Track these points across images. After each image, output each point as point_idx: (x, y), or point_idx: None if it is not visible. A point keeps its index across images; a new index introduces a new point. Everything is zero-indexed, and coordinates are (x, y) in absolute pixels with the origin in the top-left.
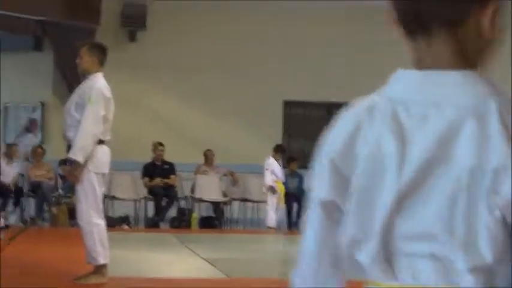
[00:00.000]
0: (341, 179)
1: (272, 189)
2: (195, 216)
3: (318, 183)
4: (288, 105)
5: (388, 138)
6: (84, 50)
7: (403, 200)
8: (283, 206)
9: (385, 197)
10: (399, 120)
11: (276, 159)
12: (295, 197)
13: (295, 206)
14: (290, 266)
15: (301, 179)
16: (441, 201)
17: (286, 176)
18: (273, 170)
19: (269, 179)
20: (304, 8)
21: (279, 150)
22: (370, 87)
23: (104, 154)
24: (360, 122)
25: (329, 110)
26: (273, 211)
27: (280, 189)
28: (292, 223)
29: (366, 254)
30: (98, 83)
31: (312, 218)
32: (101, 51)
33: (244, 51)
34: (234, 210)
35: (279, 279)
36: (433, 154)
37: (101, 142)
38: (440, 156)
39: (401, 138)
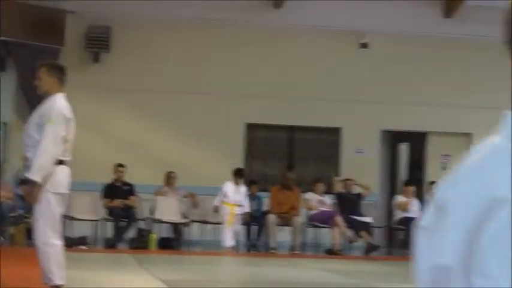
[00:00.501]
0: None
1: (215, 209)
2: (154, 237)
3: None
4: (251, 127)
5: None
6: (43, 71)
7: None
8: (235, 227)
9: None
10: None
11: (236, 183)
12: (255, 219)
13: (254, 228)
14: (246, 286)
15: (260, 201)
16: None
17: (249, 198)
18: (226, 193)
19: (216, 200)
20: (266, 28)
21: (237, 174)
22: (333, 113)
23: (63, 174)
24: None
25: (292, 134)
26: (229, 232)
27: (231, 211)
28: (251, 245)
29: None
30: (58, 103)
31: None
32: (60, 71)
33: (207, 73)
34: (194, 231)
35: None
36: None
37: (60, 162)
38: None
39: None
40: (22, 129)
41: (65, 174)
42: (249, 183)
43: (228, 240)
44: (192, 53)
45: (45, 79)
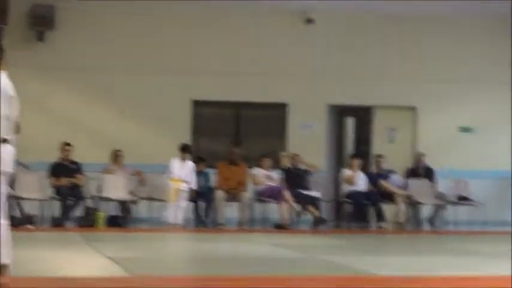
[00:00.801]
0: None
1: (164, 187)
2: (101, 215)
3: None
4: (197, 104)
5: None
6: None
7: None
8: (182, 203)
9: None
10: None
11: (182, 159)
12: (202, 196)
13: (202, 204)
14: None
15: (208, 177)
16: None
17: (196, 175)
18: (172, 169)
19: (164, 178)
20: (208, 7)
21: (183, 149)
22: (279, 88)
23: (7, 153)
24: None
25: (238, 110)
26: (170, 208)
27: (175, 186)
28: (199, 221)
29: None
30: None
31: None
32: None
33: (152, 51)
34: (141, 209)
35: (182, 277)
36: None
37: (4, 141)
38: None
39: None
40: None
41: (9, 153)
42: (197, 160)
43: (172, 217)
44: (136, 30)
45: None
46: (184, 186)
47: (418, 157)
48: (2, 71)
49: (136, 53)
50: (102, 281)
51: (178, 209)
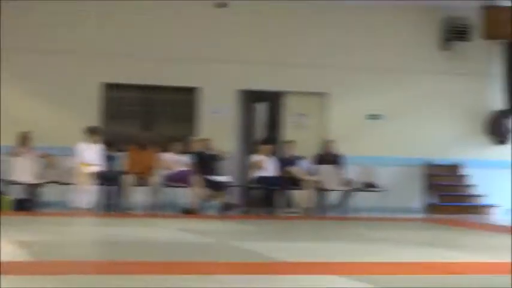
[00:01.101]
0: None
1: (72, 170)
2: (8, 198)
3: None
4: (106, 87)
5: None
6: None
7: None
8: (90, 187)
9: None
10: None
11: (91, 141)
12: (110, 180)
13: (111, 188)
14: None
15: (116, 161)
16: None
17: (106, 158)
18: (80, 153)
19: (71, 161)
20: None
21: (92, 132)
22: (190, 73)
23: None
24: None
25: (148, 94)
26: (78, 192)
27: (84, 170)
28: (108, 205)
29: None
30: None
31: None
32: None
33: (62, 32)
34: (49, 192)
35: (89, 261)
36: None
37: None
38: None
39: None
40: None
41: None
42: (106, 144)
43: (80, 201)
44: (48, 10)
45: None
46: (92, 170)
47: (326, 144)
48: None
49: (47, 33)
50: (7, 265)
51: (86, 193)
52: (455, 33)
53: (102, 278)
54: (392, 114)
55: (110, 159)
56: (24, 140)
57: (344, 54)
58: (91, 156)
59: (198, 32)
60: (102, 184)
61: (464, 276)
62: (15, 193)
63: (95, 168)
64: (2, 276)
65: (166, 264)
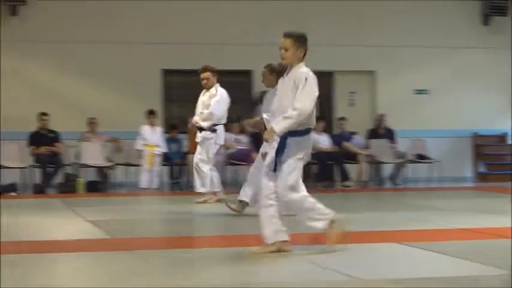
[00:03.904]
0: None
1: (139, 153)
2: (81, 181)
3: None
4: (167, 73)
5: None
6: None
7: None
8: (155, 167)
9: None
10: None
11: (151, 124)
12: (175, 161)
13: (176, 168)
14: (171, 224)
15: (180, 143)
16: None
17: (168, 141)
18: (143, 136)
19: (137, 144)
20: None
21: (150, 114)
22: (245, 57)
23: None
24: None
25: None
26: (145, 173)
27: (149, 152)
28: (173, 184)
29: None
30: None
31: None
32: None
33: (124, 22)
34: (118, 174)
35: (159, 238)
36: None
37: None
38: None
39: None
40: None
41: None
42: (170, 127)
43: (145, 181)
44: (107, 3)
45: None
46: (156, 151)
47: (379, 118)
48: None
49: (107, 24)
50: (85, 242)
51: (153, 174)
52: (495, 8)
53: (172, 252)
54: (437, 89)
55: (174, 141)
56: (91, 125)
57: (389, 32)
58: (153, 138)
59: (251, 16)
60: (166, 165)
61: None
62: (86, 176)
63: (158, 150)
64: (82, 253)
65: (231, 237)
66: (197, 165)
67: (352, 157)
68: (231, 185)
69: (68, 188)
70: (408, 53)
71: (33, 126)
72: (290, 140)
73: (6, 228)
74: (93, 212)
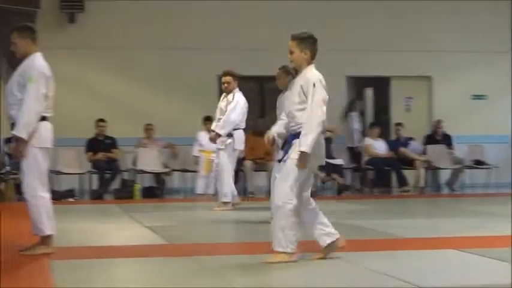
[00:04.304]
0: None
1: (195, 159)
2: (138, 187)
3: None
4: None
5: None
6: (15, 36)
7: None
8: (212, 173)
9: None
10: None
11: (208, 130)
12: None
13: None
14: (228, 229)
15: None
16: None
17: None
18: (200, 142)
19: (194, 150)
20: None
21: (206, 120)
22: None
23: (46, 130)
24: None
25: (262, 83)
26: (201, 179)
27: (206, 158)
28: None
29: None
30: (37, 62)
31: None
32: (30, 31)
33: (180, 29)
34: (175, 180)
35: (216, 244)
36: None
37: (43, 119)
38: None
39: None
40: (4, 90)
41: (48, 129)
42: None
43: (201, 187)
44: (164, 9)
45: (19, 42)
46: (213, 157)
47: (436, 124)
48: (37, 53)
49: (164, 31)
50: (142, 248)
51: (209, 179)
52: None
53: (230, 258)
54: (495, 94)
55: None
56: (147, 131)
57: (446, 37)
58: (210, 144)
59: (303, 23)
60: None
61: None
62: (143, 181)
63: (207, 155)
64: (140, 258)
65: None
66: (219, 173)
67: (409, 163)
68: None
69: (124, 193)
70: (465, 58)
71: (91, 133)
72: (296, 141)
73: (63, 234)
74: (150, 218)
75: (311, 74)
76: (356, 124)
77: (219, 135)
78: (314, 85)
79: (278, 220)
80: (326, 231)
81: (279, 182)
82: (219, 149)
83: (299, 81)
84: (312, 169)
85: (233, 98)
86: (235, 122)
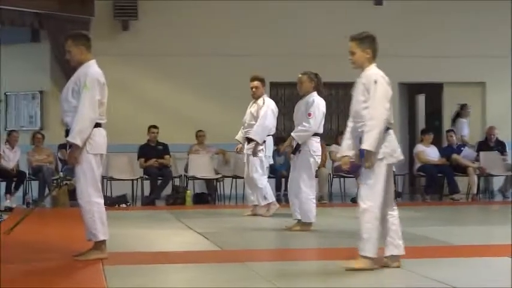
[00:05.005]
0: None
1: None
2: (189, 193)
3: None
4: (274, 86)
5: None
6: (69, 44)
7: None
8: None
9: None
10: None
11: None
12: (280, 173)
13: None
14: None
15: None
16: None
17: (274, 153)
18: None
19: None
20: None
21: None
22: (348, 68)
23: (100, 136)
24: None
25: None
26: None
27: None
28: (278, 196)
29: None
30: (92, 69)
31: None
32: (85, 39)
33: (232, 35)
34: (226, 186)
35: (268, 250)
36: None
37: (97, 125)
38: None
39: None
40: (58, 96)
41: (102, 136)
42: (278, 141)
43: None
44: (216, 16)
45: (73, 50)
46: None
47: (490, 130)
48: (92, 60)
49: (215, 37)
50: (195, 254)
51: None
52: None
53: (281, 264)
54: None
55: (282, 154)
56: (199, 138)
57: (499, 42)
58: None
59: (352, 28)
60: (271, 177)
61: None
62: (194, 187)
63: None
64: (193, 264)
65: (342, 250)
66: (252, 180)
67: (462, 170)
68: (338, 198)
69: (176, 200)
70: None
71: (143, 139)
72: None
73: (116, 239)
74: (201, 224)
75: (373, 72)
76: None
77: (257, 143)
78: (375, 82)
79: (364, 223)
80: (395, 243)
81: (362, 185)
82: (248, 155)
83: (361, 81)
84: (390, 167)
85: (263, 103)
86: (269, 127)
